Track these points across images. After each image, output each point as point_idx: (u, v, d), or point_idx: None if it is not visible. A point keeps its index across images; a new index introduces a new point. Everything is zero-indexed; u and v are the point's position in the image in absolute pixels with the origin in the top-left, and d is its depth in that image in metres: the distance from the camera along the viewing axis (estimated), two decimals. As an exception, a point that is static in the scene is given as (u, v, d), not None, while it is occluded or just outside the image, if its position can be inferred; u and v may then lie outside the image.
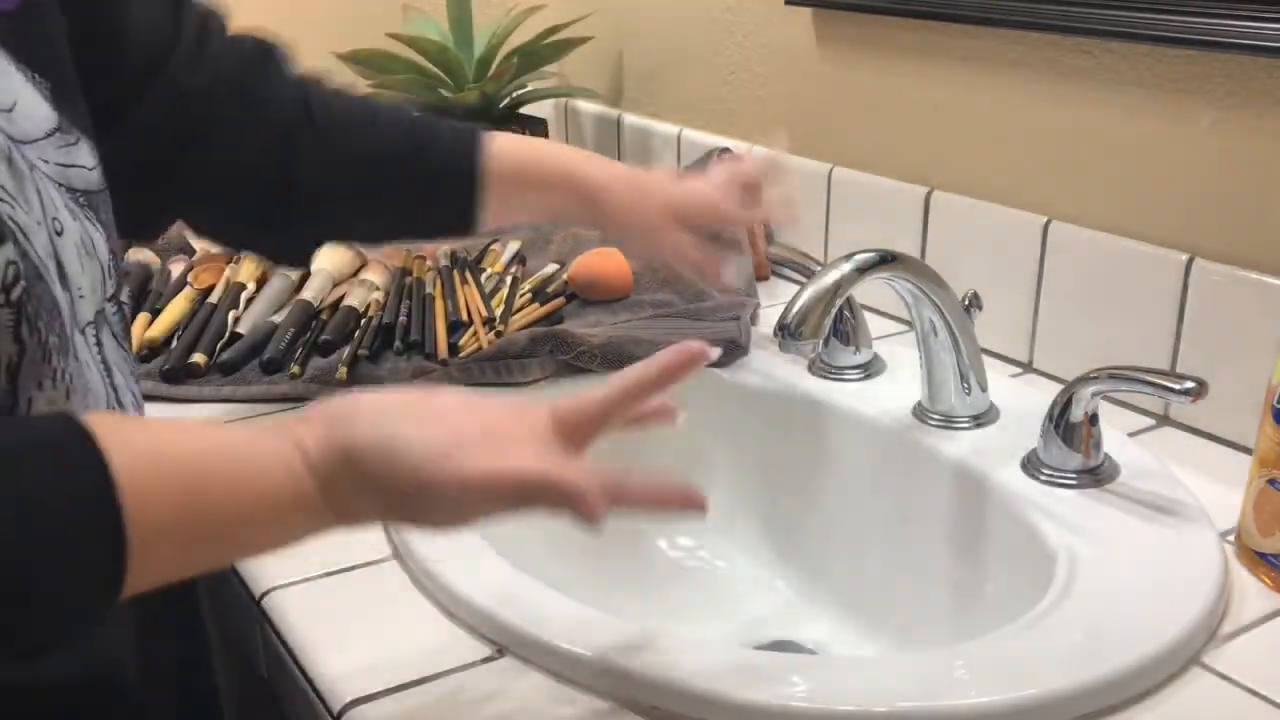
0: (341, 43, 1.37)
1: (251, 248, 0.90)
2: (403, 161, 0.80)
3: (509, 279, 1.07)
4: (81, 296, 0.55)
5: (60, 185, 0.54)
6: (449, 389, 0.55)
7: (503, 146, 0.81)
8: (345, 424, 0.49)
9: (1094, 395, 0.71)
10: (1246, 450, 0.80)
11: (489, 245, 1.15)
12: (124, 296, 0.61)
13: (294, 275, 1.06)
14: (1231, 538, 0.69)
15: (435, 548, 0.67)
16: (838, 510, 0.85)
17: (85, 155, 0.57)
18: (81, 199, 0.57)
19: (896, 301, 0.81)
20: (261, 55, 0.79)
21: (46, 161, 0.53)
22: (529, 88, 1.36)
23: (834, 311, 0.73)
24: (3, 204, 0.48)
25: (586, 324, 0.98)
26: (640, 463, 0.91)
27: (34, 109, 0.54)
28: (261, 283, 1.05)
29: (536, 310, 1.01)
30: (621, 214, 0.83)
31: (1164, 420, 0.85)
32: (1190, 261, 0.81)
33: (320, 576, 0.68)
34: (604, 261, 1.04)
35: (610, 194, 0.83)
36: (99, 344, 0.57)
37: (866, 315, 0.91)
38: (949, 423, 0.80)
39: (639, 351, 0.90)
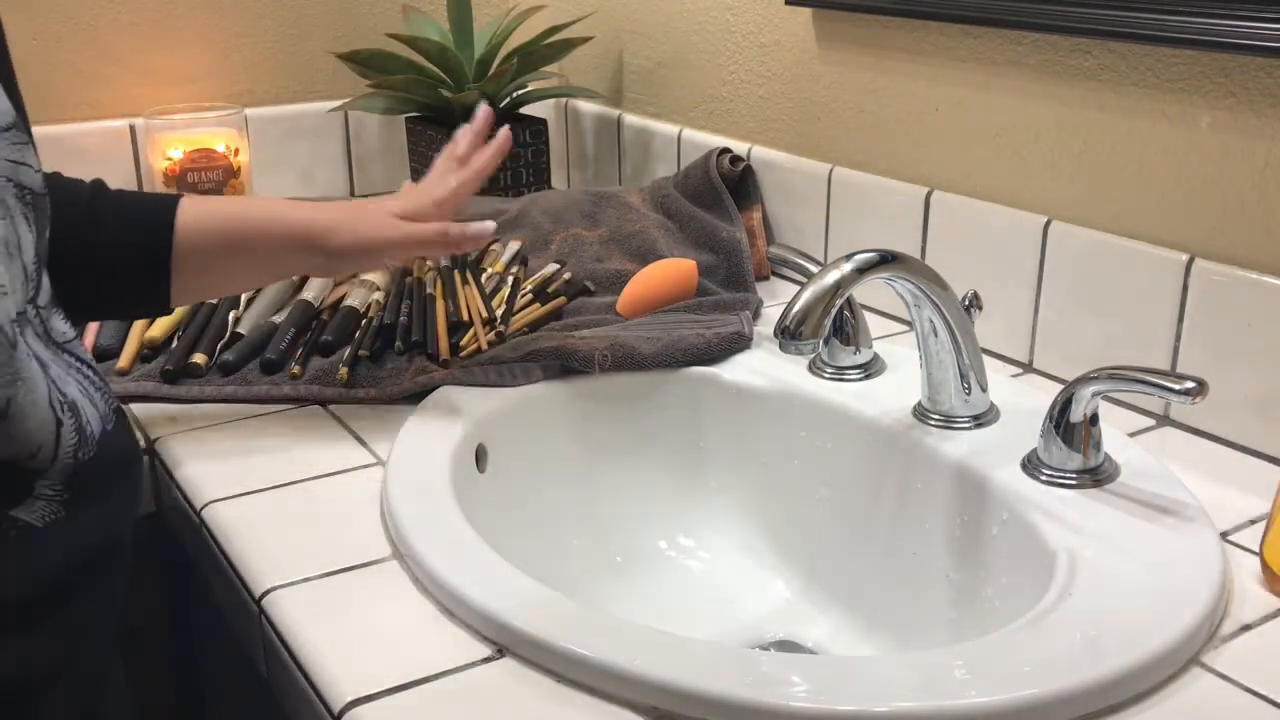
0: (341, 43, 1.37)
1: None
2: (78, 245, 0.74)
3: (510, 279, 1.07)
4: (4, 294, 0.55)
5: (9, 180, 0.55)
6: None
7: (196, 206, 0.78)
8: None
9: (1094, 395, 0.71)
10: (1247, 450, 0.80)
11: (489, 245, 1.15)
12: (43, 302, 0.60)
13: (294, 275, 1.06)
14: (1231, 538, 0.69)
15: (435, 548, 0.67)
16: (838, 510, 0.85)
17: (33, 157, 0.58)
18: (28, 197, 0.57)
19: (896, 301, 0.81)
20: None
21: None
22: (529, 88, 1.36)
23: (834, 311, 0.73)
24: None
25: (588, 324, 0.98)
26: (643, 460, 0.91)
27: None
28: (262, 283, 1.05)
29: (537, 310, 1.01)
30: (337, 230, 0.80)
31: (1164, 420, 0.85)
32: (1190, 261, 0.81)
33: (320, 576, 0.68)
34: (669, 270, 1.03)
35: (324, 218, 0.80)
36: (26, 342, 0.56)
37: (866, 315, 0.91)
38: (949, 423, 0.80)
39: (646, 350, 0.90)
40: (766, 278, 1.14)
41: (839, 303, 0.73)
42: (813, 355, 0.90)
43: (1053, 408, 0.73)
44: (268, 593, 0.67)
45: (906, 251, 0.77)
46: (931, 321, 0.78)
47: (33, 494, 0.56)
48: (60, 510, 0.57)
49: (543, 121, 1.35)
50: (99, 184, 0.79)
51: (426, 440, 0.80)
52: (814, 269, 0.90)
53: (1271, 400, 0.78)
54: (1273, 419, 0.78)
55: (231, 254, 0.80)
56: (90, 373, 0.62)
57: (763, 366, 0.91)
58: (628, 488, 0.91)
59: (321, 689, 0.59)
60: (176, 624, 0.95)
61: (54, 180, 0.72)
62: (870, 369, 0.89)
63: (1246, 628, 0.62)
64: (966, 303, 0.80)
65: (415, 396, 0.88)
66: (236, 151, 1.28)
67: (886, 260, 0.74)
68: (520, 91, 1.34)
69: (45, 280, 0.60)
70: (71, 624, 0.60)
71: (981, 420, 0.80)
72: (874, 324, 0.97)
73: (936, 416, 0.81)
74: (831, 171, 1.10)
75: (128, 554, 0.65)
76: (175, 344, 0.95)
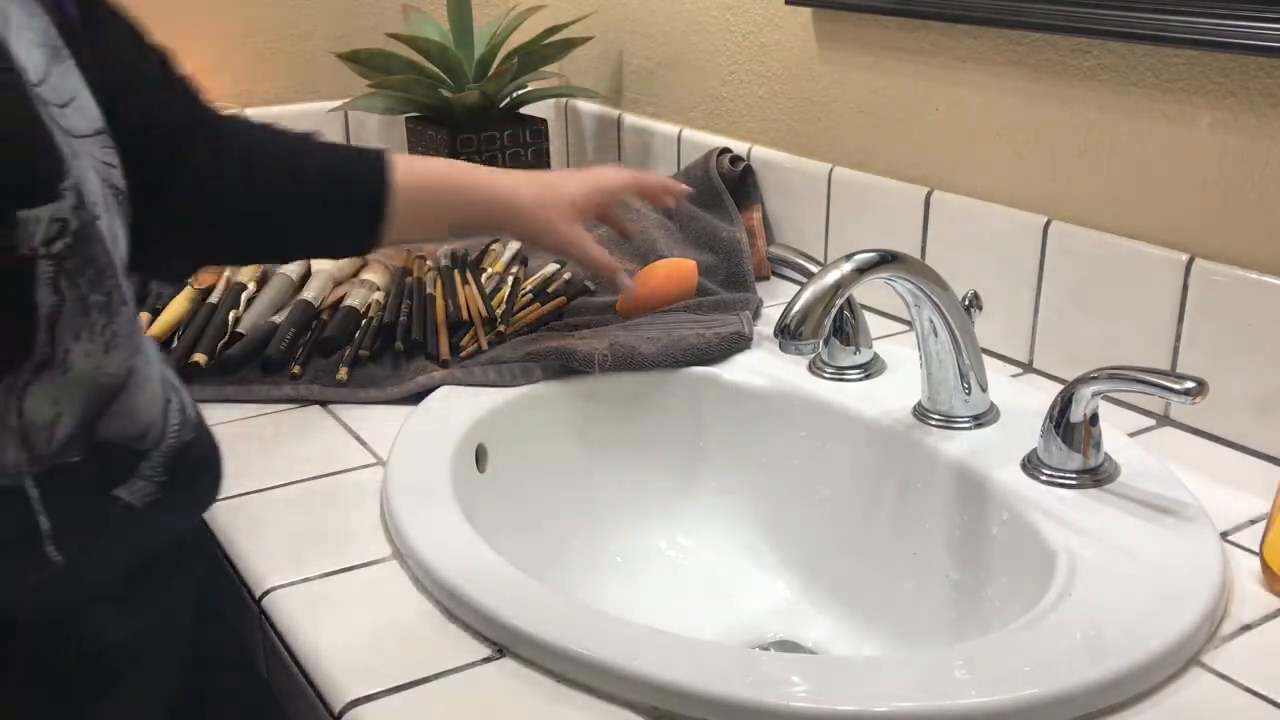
0: (341, 43, 1.37)
1: (144, 269, 0.87)
2: (312, 190, 0.81)
3: (510, 279, 1.07)
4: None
5: (104, 180, 0.58)
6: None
7: (409, 166, 0.84)
8: None
9: (1094, 395, 0.71)
10: (1247, 450, 0.80)
11: (489, 245, 1.15)
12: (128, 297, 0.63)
13: (294, 275, 1.06)
14: (1231, 538, 0.69)
15: (435, 548, 0.67)
16: (838, 510, 0.85)
17: (118, 160, 0.61)
18: (120, 197, 0.61)
19: (896, 301, 0.81)
20: (195, 90, 0.79)
21: (93, 156, 0.57)
22: (529, 88, 1.36)
23: (834, 311, 0.73)
24: (74, 174, 0.54)
25: (589, 323, 0.98)
26: (643, 460, 0.91)
27: (89, 107, 0.58)
28: (262, 282, 1.05)
29: (537, 310, 1.01)
30: (527, 215, 0.89)
31: (1164, 420, 0.85)
32: (1190, 261, 0.81)
33: (320, 576, 0.68)
34: (672, 270, 1.03)
35: (514, 196, 0.88)
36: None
37: (866, 315, 0.91)
38: (949, 423, 0.80)
39: (646, 350, 0.90)
40: (766, 278, 1.14)
41: (839, 303, 0.73)
42: (813, 355, 0.90)
43: (1053, 408, 0.73)
44: (268, 593, 0.67)
45: (906, 251, 0.77)
46: (931, 321, 0.78)
47: (136, 474, 0.60)
48: (158, 492, 0.61)
49: (543, 121, 1.35)
50: (313, 135, 0.85)
51: (426, 440, 0.80)
52: (814, 269, 0.90)
53: (1271, 400, 0.78)
54: (1273, 419, 0.78)
55: (435, 213, 0.87)
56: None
57: (763, 366, 0.91)
58: (628, 488, 0.91)
59: (321, 689, 0.59)
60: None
61: (270, 130, 0.82)
62: (870, 369, 0.89)
63: (1246, 628, 0.62)
64: (966, 303, 0.79)
65: (415, 396, 0.88)
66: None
67: (886, 260, 0.74)
68: (520, 91, 1.34)
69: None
70: (161, 600, 0.65)
71: (981, 420, 0.80)
72: (874, 324, 0.97)
73: (936, 416, 0.81)
74: (831, 171, 1.10)
75: (205, 539, 0.70)
76: (175, 344, 0.95)
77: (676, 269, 1.02)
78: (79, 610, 0.61)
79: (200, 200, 0.77)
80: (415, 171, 0.84)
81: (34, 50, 0.55)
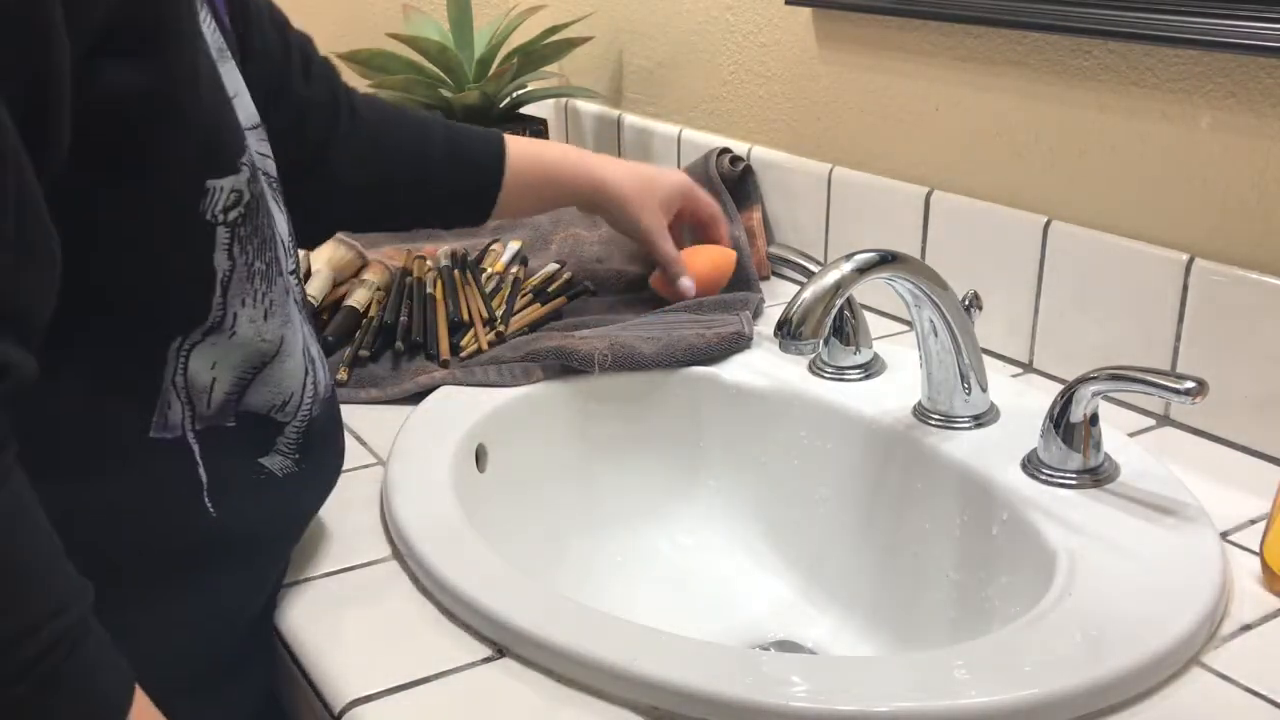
0: (341, 43, 1.37)
1: None
2: (437, 164, 0.90)
3: (510, 279, 1.07)
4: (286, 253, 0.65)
5: (264, 172, 0.63)
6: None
7: (521, 150, 0.94)
8: None
9: (1094, 395, 0.71)
10: (1247, 450, 0.80)
11: (489, 245, 1.15)
12: (298, 271, 0.68)
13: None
14: (1231, 538, 0.69)
15: (435, 548, 0.67)
16: (838, 510, 0.85)
17: (271, 152, 0.66)
18: (275, 185, 0.66)
19: (896, 301, 0.81)
20: (332, 73, 0.88)
21: (252, 148, 0.60)
22: (529, 88, 1.36)
23: (834, 311, 0.73)
24: (250, 150, 0.59)
25: (588, 324, 0.98)
26: (644, 460, 0.91)
27: (248, 104, 0.62)
28: (262, 283, 1.05)
29: (537, 310, 1.01)
30: (625, 204, 0.98)
31: (1164, 420, 0.85)
32: (1190, 261, 0.81)
33: (320, 576, 0.68)
34: (714, 257, 1.05)
35: (617, 185, 0.97)
36: (293, 298, 0.64)
37: (866, 315, 0.91)
38: (949, 423, 0.80)
39: (646, 349, 0.90)
40: (766, 278, 1.14)
41: (839, 303, 0.73)
42: (813, 355, 0.90)
43: (1053, 408, 0.73)
44: (268, 593, 0.67)
45: (906, 251, 0.77)
46: (931, 321, 0.78)
47: (275, 446, 0.63)
48: (293, 466, 0.64)
49: (543, 121, 1.35)
50: (433, 117, 0.95)
51: (426, 440, 0.80)
52: (814, 269, 0.90)
53: (1271, 400, 0.78)
54: (1273, 419, 0.78)
55: (540, 191, 0.97)
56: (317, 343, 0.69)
57: (763, 366, 0.91)
58: (628, 487, 0.91)
59: (321, 689, 0.59)
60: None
61: (398, 111, 0.91)
62: (870, 369, 0.89)
63: (1246, 628, 0.62)
64: (966, 303, 0.79)
65: (415, 396, 0.88)
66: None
67: (886, 260, 0.74)
68: (520, 91, 1.34)
69: (298, 254, 0.69)
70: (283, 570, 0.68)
71: (981, 420, 0.80)
72: (874, 324, 0.97)
73: (936, 416, 0.81)
74: (831, 171, 1.10)
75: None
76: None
77: (722, 259, 1.04)
78: None
79: (338, 178, 0.85)
80: (527, 154, 0.94)
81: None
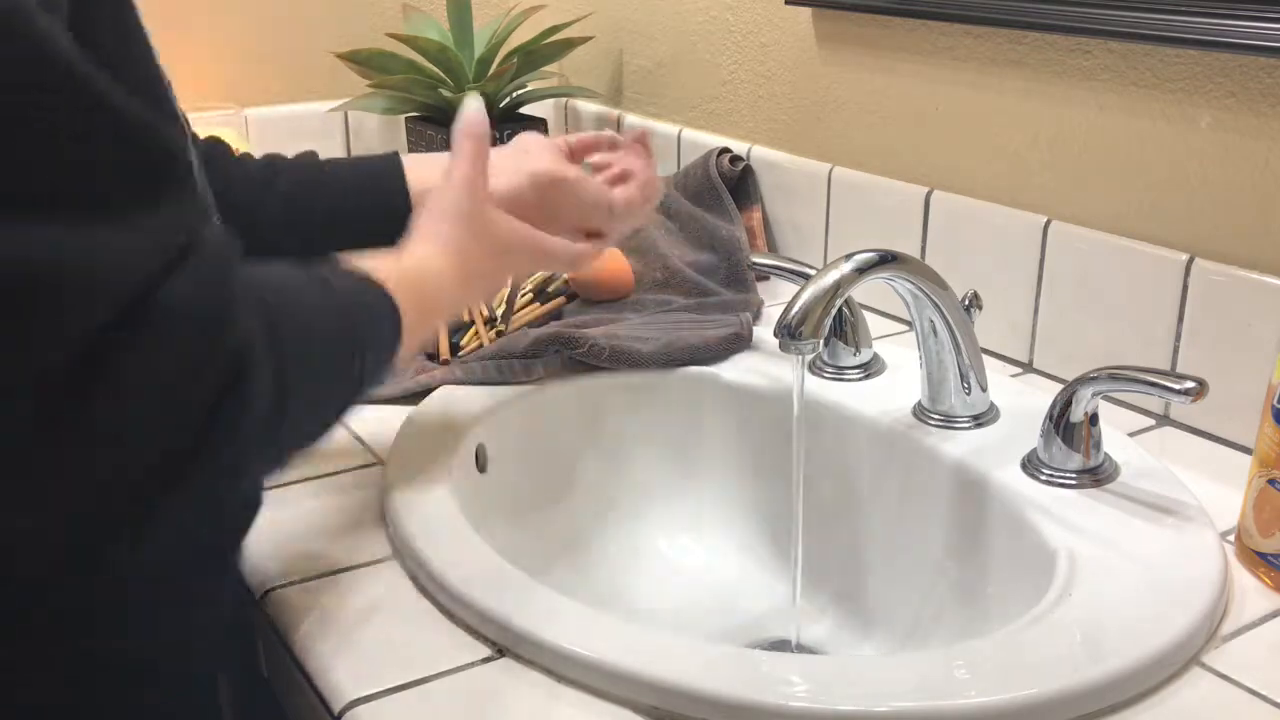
0: (341, 43, 1.37)
1: None
2: (353, 217, 0.82)
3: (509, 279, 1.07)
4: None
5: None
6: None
7: (420, 174, 0.83)
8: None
9: (1094, 395, 0.71)
10: (1246, 450, 0.80)
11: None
12: None
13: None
14: (1231, 538, 0.69)
15: (435, 548, 0.67)
16: (838, 510, 0.85)
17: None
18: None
19: (896, 301, 0.81)
20: (239, 153, 0.85)
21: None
22: (529, 88, 1.36)
23: (834, 311, 0.73)
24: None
25: (588, 323, 0.98)
26: (643, 459, 0.91)
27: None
28: (262, 283, 1.05)
29: (537, 310, 1.02)
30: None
31: (1164, 420, 0.85)
32: (1190, 261, 0.81)
33: (320, 576, 0.68)
34: (605, 262, 1.04)
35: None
36: None
37: (866, 315, 0.91)
38: (949, 423, 0.80)
39: (644, 349, 0.90)
40: (766, 278, 1.14)
41: (839, 303, 0.73)
42: (813, 355, 0.90)
43: (1053, 408, 0.73)
44: (268, 592, 0.67)
45: (906, 251, 0.77)
46: (931, 321, 0.78)
47: None
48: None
49: (543, 121, 1.35)
50: (312, 157, 0.86)
51: (426, 440, 0.80)
52: (809, 272, 0.90)
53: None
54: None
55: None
56: None
57: (763, 366, 0.91)
58: (627, 487, 0.91)
59: (321, 689, 0.59)
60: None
61: (272, 160, 0.84)
62: (870, 369, 0.89)
63: (1246, 628, 0.62)
64: (966, 303, 0.80)
65: (415, 396, 0.88)
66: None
67: (886, 260, 0.74)
68: (520, 91, 1.34)
69: None
70: None
71: (981, 420, 0.80)
72: (874, 324, 0.97)
73: (936, 416, 0.81)
74: (831, 171, 1.10)
75: None
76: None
77: (616, 271, 1.04)
78: None
79: (259, 243, 0.78)
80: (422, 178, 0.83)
81: None
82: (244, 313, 0.47)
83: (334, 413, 0.59)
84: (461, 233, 0.70)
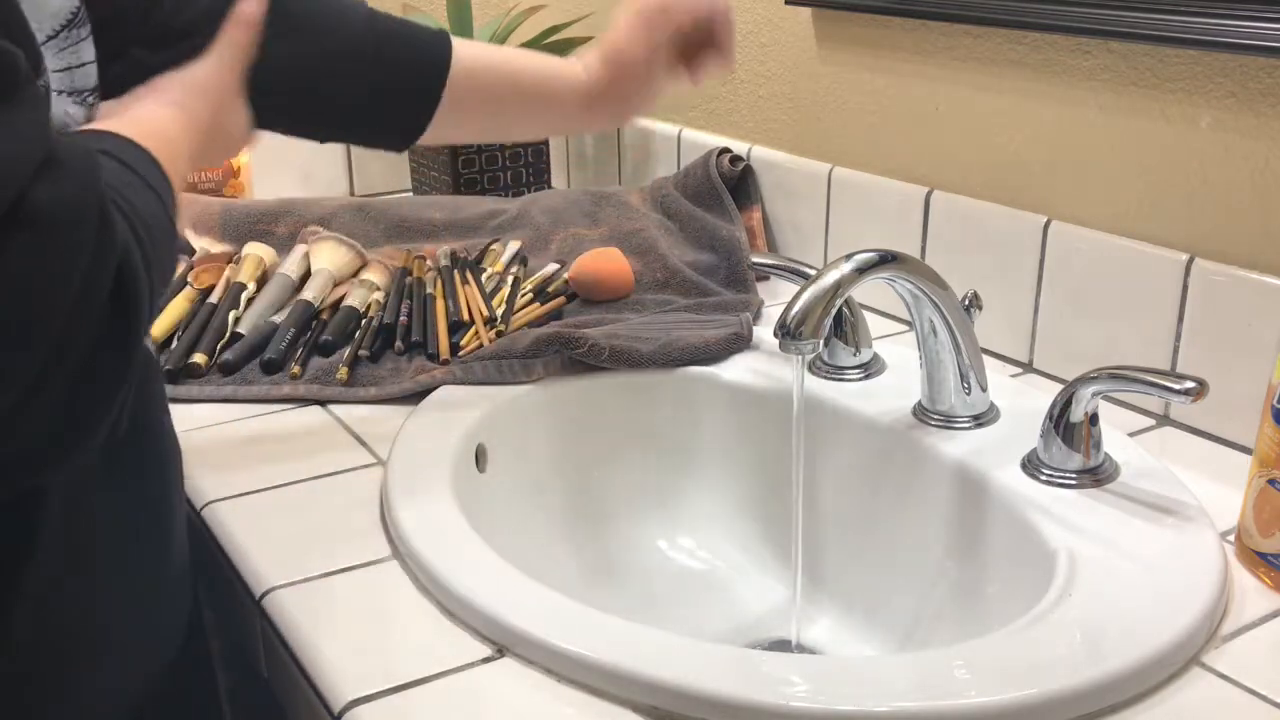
0: (342, 43, 1.37)
1: None
2: (365, 62, 0.76)
3: (509, 279, 1.07)
4: None
5: (63, 91, 0.56)
6: None
7: (469, 52, 0.79)
8: None
9: (1094, 395, 0.71)
10: (1246, 450, 0.80)
11: (489, 245, 1.15)
12: None
13: (294, 275, 1.06)
14: (1232, 538, 0.69)
15: (435, 548, 0.67)
16: (838, 510, 0.85)
17: (89, 50, 0.57)
18: (89, 99, 0.58)
19: (896, 301, 0.81)
20: None
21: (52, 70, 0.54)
22: (529, 88, 1.36)
23: (834, 311, 0.73)
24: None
25: (588, 323, 0.98)
26: (643, 459, 0.91)
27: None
28: (261, 283, 1.05)
29: (537, 310, 1.01)
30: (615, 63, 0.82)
31: (1164, 420, 0.85)
32: (1190, 261, 0.81)
33: (320, 576, 0.68)
34: (604, 263, 1.04)
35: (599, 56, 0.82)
36: None
37: (866, 315, 0.91)
38: (949, 423, 0.80)
39: (644, 349, 0.90)
40: (766, 278, 1.14)
41: (839, 303, 0.73)
42: (813, 355, 0.90)
43: (1053, 407, 0.73)
44: (268, 593, 0.67)
45: (906, 251, 0.78)
46: (931, 321, 0.78)
47: None
48: None
49: (543, 121, 1.35)
50: (372, 10, 0.79)
51: (426, 440, 0.80)
52: (809, 272, 0.90)
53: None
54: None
55: (498, 96, 0.81)
56: None
57: (763, 366, 0.91)
58: (627, 488, 0.91)
59: (321, 689, 0.59)
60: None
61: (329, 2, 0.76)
62: (870, 369, 0.89)
63: (1246, 628, 0.62)
64: (966, 303, 0.80)
65: (415, 396, 0.88)
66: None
67: (886, 260, 0.74)
68: (520, 91, 1.34)
69: None
70: None
71: (981, 420, 0.80)
72: (874, 324, 0.97)
73: (936, 416, 0.81)
74: (831, 171, 1.10)
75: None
76: (175, 344, 0.95)
77: (616, 271, 1.04)
78: None
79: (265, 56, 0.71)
80: (476, 57, 0.80)
81: None
82: (113, 207, 0.47)
83: (171, 272, 0.57)
84: (201, 104, 0.65)
